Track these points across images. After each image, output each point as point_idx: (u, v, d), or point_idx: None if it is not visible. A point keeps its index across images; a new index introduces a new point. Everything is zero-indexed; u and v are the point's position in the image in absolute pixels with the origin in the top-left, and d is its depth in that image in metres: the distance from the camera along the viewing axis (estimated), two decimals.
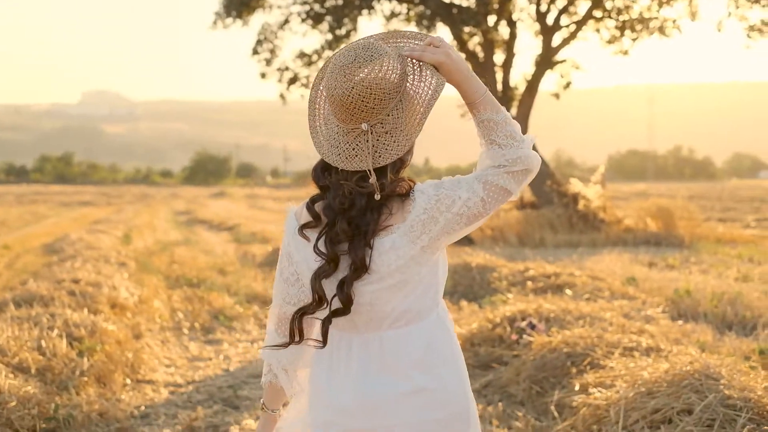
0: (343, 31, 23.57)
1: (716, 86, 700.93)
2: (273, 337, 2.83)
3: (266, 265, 16.22)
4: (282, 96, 24.85)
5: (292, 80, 24.78)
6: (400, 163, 2.62)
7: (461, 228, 2.58)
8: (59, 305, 9.23)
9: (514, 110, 23.29)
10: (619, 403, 5.59)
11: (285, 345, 2.71)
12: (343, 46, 2.41)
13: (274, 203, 52.66)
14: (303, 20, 23.86)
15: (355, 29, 23.83)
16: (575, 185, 22.30)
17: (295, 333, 2.66)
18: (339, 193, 2.56)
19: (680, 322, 9.22)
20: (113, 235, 22.44)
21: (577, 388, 6.27)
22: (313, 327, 2.75)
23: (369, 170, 2.51)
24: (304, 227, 2.63)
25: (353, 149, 2.52)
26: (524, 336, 7.57)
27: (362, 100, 2.46)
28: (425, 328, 2.66)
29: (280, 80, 24.75)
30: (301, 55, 24.65)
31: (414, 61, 2.58)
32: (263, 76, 24.68)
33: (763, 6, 20.05)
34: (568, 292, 10.72)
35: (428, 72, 2.56)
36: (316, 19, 23.69)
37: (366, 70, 2.45)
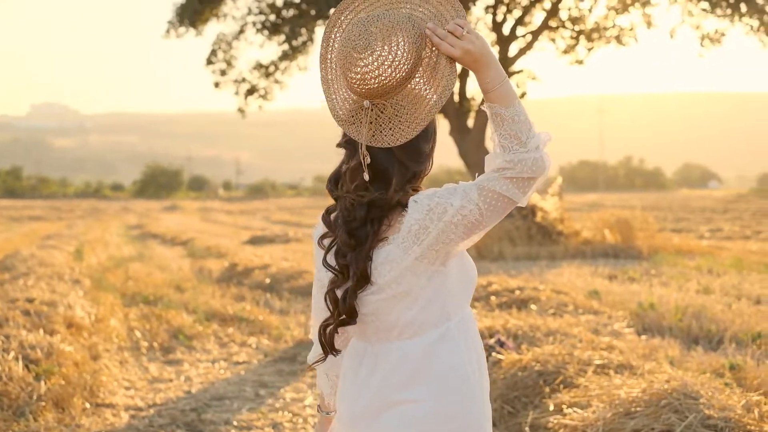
0: (299, 42, 23.39)
1: (666, 96, 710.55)
2: (316, 344, 2.82)
3: (223, 280, 16.01)
4: (241, 110, 24.56)
5: (250, 92, 24.53)
6: (411, 174, 2.56)
7: (460, 238, 2.49)
8: (14, 326, 8.92)
9: (471, 121, 23.25)
10: (597, 424, 5.48)
11: (323, 359, 2.74)
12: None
13: (227, 216, 52.41)
14: (258, 30, 23.63)
15: (311, 40, 23.67)
16: (533, 197, 22.23)
17: (325, 345, 2.66)
18: (343, 205, 2.55)
19: (645, 336, 9.16)
20: (65, 250, 22.01)
21: (551, 408, 6.14)
22: (348, 334, 2.76)
23: (361, 150, 2.49)
24: (322, 237, 2.65)
25: (353, 117, 2.51)
26: (493, 354, 7.43)
27: (365, 86, 2.43)
28: (430, 340, 2.58)
29: (237, 92, 24.48)
30: (258, 66, 24.41)
31: (432, 46, 2.47)
32: (217, 85, 24.36)
33: (718, 16, 20.15)
34: (533, 307, 10.62)
35: (440, 70, 2.47)
36: (272, 29, 23.47)
37: (375, 63, 2.40)
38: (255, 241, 27.32)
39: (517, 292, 11.48)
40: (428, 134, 2.59)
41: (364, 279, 2.51)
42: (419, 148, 2.55)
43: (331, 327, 2.61)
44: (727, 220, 36.21)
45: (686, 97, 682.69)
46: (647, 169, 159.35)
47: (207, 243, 25.19)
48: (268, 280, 15.04)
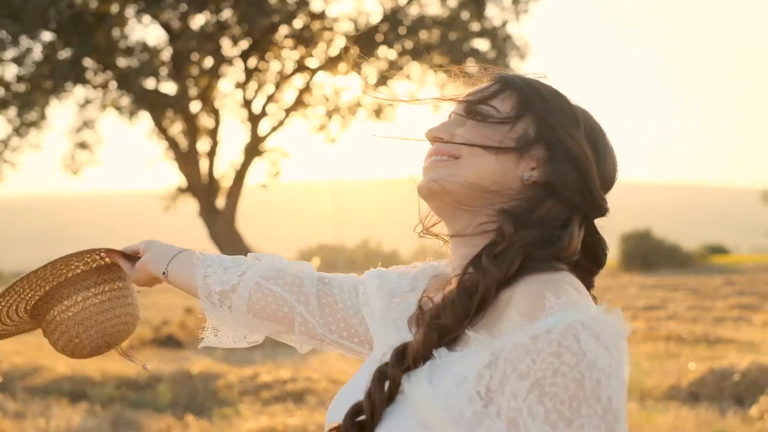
0: (34, 116, 21.60)
1: (397, 182, 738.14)
2: None
3: None
4: None
5: None
6: None
7: None
8: None
9: (222, 200, 22.22)
10: None
11: None
12: None
13: None
14: None
15: (44, 116, 21.93)
16: None
17: None
18: None
19: None
20: None
21: None
22: None
23: None
24: None
25: None
26: None
27: None
28: None
29: None
30: None
31: None
32: None
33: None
34: (312, 400, 9.61)
35: None
36: (1, 105, 21.59)
37: None
38: None
39: (290, 384, 10.42)
40: None
41: None
42: None
43: None
44: None
45: (416, 182, 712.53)
46: (385, 251, 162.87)
47: None
48: None
